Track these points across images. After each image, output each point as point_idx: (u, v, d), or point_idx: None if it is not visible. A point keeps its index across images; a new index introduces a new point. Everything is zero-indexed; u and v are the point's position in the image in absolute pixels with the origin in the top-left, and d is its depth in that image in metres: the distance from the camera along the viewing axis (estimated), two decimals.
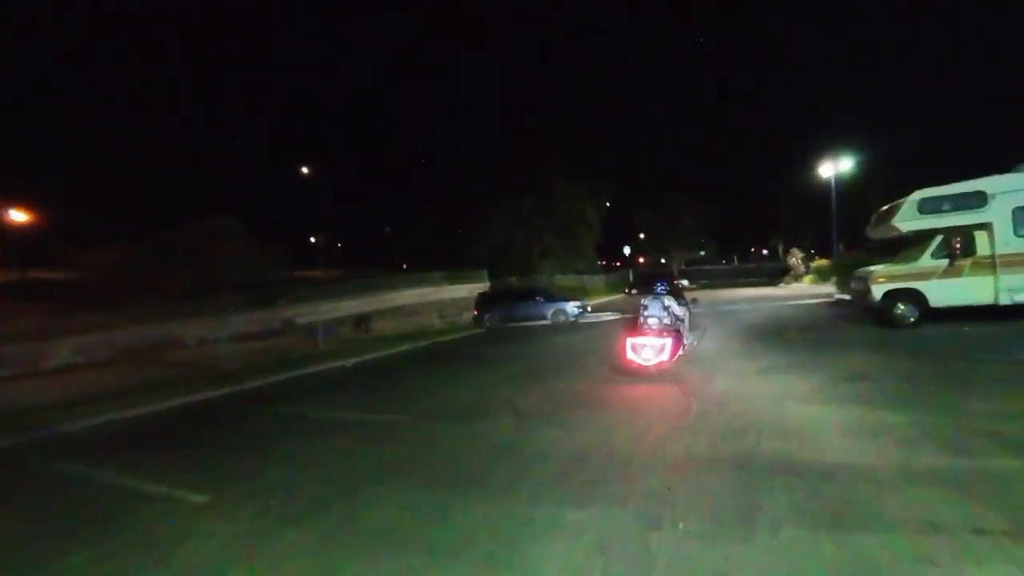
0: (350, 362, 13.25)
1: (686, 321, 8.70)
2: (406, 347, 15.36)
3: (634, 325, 8.26)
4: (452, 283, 34.00)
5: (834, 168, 29.70)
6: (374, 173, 56.67)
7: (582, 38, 72.29)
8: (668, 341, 7.51)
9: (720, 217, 50.88)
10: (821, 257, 31.43)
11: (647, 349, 7.51)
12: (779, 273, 39.59)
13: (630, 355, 7.65)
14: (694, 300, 10.66)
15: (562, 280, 37.58)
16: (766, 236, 53.68)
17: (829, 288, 25.71)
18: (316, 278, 41.63)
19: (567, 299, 18.35)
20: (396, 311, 27.27)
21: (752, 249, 66.67)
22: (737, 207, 53.00)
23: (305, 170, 50.51)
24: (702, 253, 59.94)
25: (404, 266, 46.80)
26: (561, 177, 38.24)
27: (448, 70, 70.43)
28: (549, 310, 17.72)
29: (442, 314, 23.21)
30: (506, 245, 39.35)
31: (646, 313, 7.99)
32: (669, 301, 8.16)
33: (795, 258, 32.87)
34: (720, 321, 14.46)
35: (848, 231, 39.25)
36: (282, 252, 30.95)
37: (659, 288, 8.43)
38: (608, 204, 54.35)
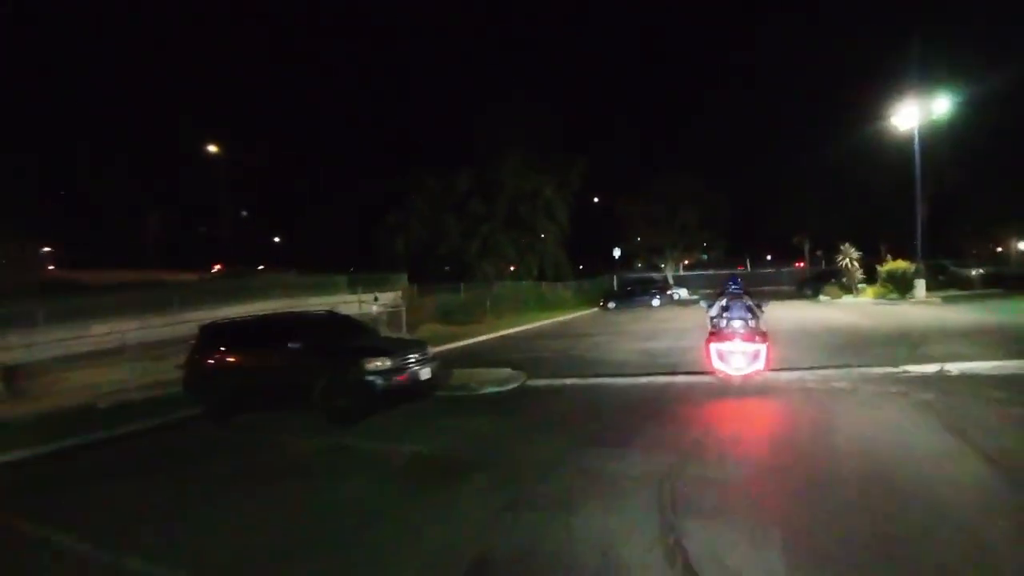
0: None
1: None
2: None
3: (712, 331, 6.89)
4: (354, 291, 23.26)
5: (919, 114, 18.65)
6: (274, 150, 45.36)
7: None
8: (762, 347, 6.45)
9: (730, 210, 39.54)
10: (895, 258, 20.06)
11: (737, 356, 6.50)
12: (813, 281, 28.51)
13: (716, 364, 6.66)
14: (758, 305, 6.90)
15: (506, 290, 26.47)
16: (787, 233, 42.38)
17: (941, 309, 14.65)
18: (182, 282, 30.66)
19: (379, 346, 7.17)
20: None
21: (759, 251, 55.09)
22: (752, 196, 41.94)
23: (212, 148, 40.10)
24: (705, 257, 48.64)
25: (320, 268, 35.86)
26: (508, 143, 27.27)
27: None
28: (319, 379, 6.68)
29: None
30: (434, 239, 28.36)
31: (728, 315, 6.77)
32: (749, 300, 6.91)
33: (849, 259, 21.68)
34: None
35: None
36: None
37: (733, 287, 7.15)
38: (596, 200, 43.71)
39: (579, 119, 54.44)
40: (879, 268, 19.50)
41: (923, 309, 15.36)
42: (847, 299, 20.83)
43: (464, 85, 50.88)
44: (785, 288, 35.95)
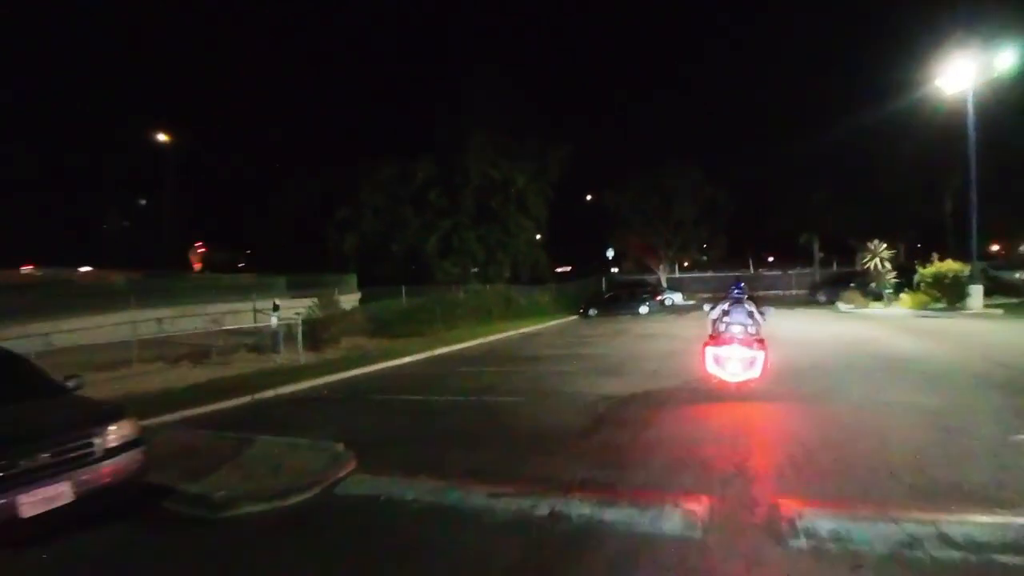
0: None
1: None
2: None
3: (711, 335, 6.53)
4: (306, 294, 19.36)
5: (977, 73, 14.70)
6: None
7: None
8: (760, 354, 6.18)
9: (731, 204, 35.41)
10: (910, 259, 16.22)
11: (733, 362, 6.25)
12: (829, 286, 24.66)
13: (711, 369, 6.39)
14: (761, 311, 6.45)
15: (467, 294, 22.51)
16: (794, 231, 38.21)
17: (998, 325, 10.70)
18: (97, 282, 26.83)
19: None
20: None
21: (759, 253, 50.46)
22: (755, 190, 37.83)
23: (163, 137, 36.25)
24: (704, 258, 44.57)
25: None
26: (474, 125, 23.39)
27: None
28: None
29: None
30: (388, 236, 24.48)
31: (727, 319, 6.43)
32: (751, 306, 6.52)
33: (878, 259, 17.71)
34: None
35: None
36: None
37: (735, 291, 6.69)
38: (590, 197, 39.89)
39: (561, 102, 50.37)
40: (920, 270, 15.52)
41: (997, 326, 11.41)
42: (875, 308, 16.87)
43: (426, 60, 46.81)
44: (794, 293, 31.97)
